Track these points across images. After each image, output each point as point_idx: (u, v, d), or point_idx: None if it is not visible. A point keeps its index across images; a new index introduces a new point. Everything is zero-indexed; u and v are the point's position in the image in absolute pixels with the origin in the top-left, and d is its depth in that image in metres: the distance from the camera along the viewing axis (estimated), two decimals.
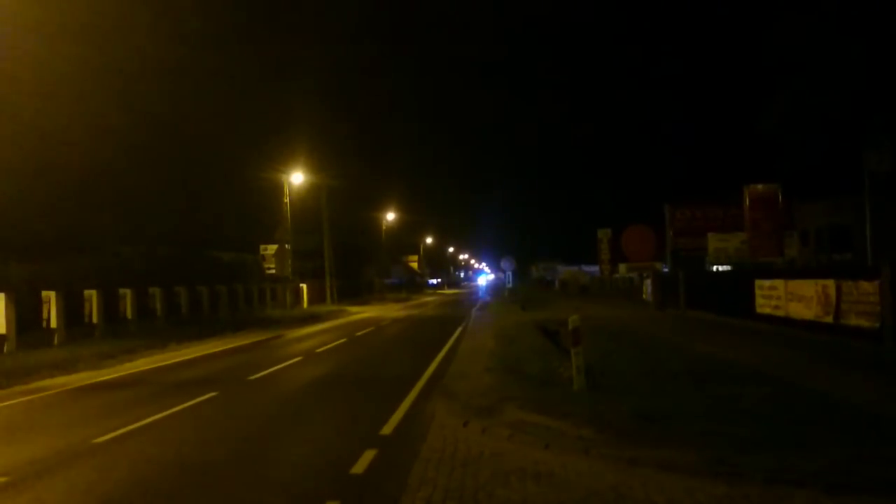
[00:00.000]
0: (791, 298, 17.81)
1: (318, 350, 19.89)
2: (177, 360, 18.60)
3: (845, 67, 27.00)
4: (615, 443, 7.41)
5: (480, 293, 73.48)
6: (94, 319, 24.12)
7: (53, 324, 21.77)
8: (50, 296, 21.86)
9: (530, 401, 9.79)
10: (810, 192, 34.67)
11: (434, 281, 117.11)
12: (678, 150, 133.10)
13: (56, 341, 21.20)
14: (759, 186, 26.06)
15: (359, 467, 7.35)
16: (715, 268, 33.45)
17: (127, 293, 26.41)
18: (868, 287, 14.26)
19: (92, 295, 24.17)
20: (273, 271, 45.87)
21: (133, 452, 8.45)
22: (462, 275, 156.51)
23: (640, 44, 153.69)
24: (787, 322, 17.81)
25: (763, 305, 19.64)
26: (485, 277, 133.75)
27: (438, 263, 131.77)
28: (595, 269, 58.61)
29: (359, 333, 25.40)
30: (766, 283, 19.62)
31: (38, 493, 6.85)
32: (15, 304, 19.94)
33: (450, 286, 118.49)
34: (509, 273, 54.08)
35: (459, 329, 25.23)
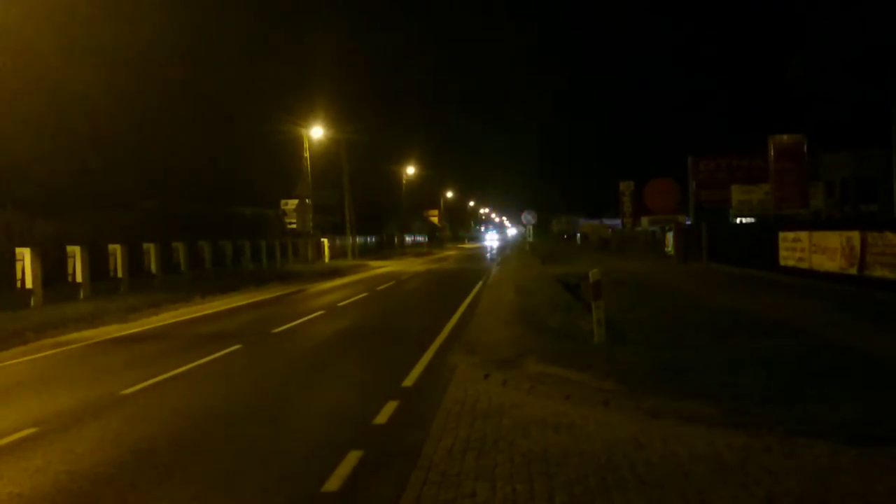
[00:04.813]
0: (815, 250, 17.62)
1: (340, 304, 20.03)
2: (201, 313, 18.83)
3: (876, 16, 26.26)
4: (635, 395, 7.42)
5: (491, 256, 54.43)
6: (119, 274, 24.41)
7: (79, 278, 22.05)
8: (75, 251, 22.11)
9: (551, 353, 9.82)
10: (837, 143, 34.01)
11: (454, 235, 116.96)
12: (703, 102, 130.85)
13: (82, 295, 21.49)
14: (785, 137, 25.58)
15: (381, 418, 7.44)
16: (738, 220, 33.09)
17: (151, 248, 26.65)
18: (894, 238, 14.06)
19: (116, 250, 24.42)
20: (294, 226, 46.17)
21: (160, 404, 8.62)
22: (483, 229, 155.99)
23: None
24: (811, 274, 17.65)
25: (787, 257, 19.46)
26: (494, 234, 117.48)
27: (459, 217, 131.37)
28: (617, 222, 58.18)
29: (380, 288, 25.53)
30: (790, 234, 19.41)
31: (68, 443, 6.99)
32: (41, 259, 20.21)
33: (470, 240, 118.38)
34: (530, 227, 53.81)
35: (480, 283, 25.28)
